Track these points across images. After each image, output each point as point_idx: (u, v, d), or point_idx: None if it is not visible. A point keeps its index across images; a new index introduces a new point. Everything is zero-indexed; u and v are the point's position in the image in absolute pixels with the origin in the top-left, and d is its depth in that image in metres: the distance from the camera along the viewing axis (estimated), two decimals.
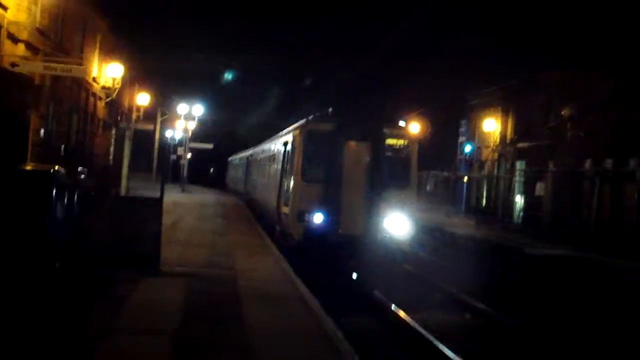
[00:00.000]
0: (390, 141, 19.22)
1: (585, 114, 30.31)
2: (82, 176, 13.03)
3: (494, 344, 15.40)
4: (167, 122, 54.28)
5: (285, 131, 24.27)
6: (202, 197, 44.28)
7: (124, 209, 14.88)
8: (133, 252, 13.91)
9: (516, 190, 36.38)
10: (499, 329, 16.77)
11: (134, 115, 38.85)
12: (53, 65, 20.73)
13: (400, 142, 19.66)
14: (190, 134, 52.08)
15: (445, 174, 42.80)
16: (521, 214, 35.89)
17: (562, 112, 31.88)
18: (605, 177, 28.25)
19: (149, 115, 45.18)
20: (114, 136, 33.63)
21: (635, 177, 24.02)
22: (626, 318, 17.19)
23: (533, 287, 21.65)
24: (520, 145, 36.45)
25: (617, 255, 21.72)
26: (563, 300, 19.88)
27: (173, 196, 40.16)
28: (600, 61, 28.68)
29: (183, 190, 47.76)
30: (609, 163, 28.51)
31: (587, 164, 29.63)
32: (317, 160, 19.12)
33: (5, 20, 21.08)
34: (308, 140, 19.16)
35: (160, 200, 14.63)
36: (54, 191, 11.39)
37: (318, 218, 18.26)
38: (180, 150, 51.22)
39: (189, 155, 52.51)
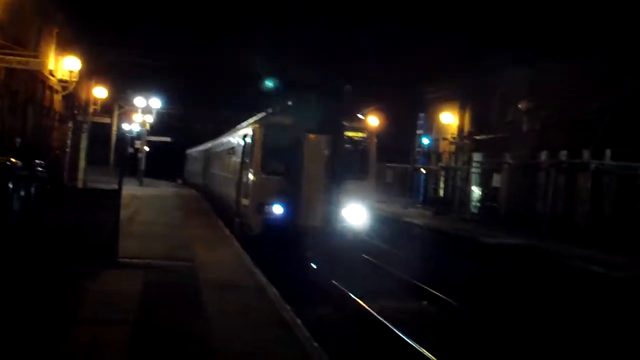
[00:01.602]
0: (349, 134, 19.43)
1: (541, 108, 30.85)
2: (39, 169, 12.94)
3: (448, 330, 15.77)
4: (125, 115, 53.84)
5: (244, 124, 24.38)
6: (161, 190, 44.10)
7: (80, 201, 14.77)
8: (91, 244, 13.87)
9: (473, 181, 36.87)
10: (453, 315, 17.16)
11: (91, 109, 38.38)
12: (8, 58, 20.47)
13: (359, 134, 19.90)
14: (148, 127, 51.70)
15: (404, 166, 43.14)
16: (478, 204, 36.42)
17: (519, 106, 32.39)
18: (560, 168, 28.78)
19: (107, 108, 44.77)
20: (70, 129, 33.35)
21: (588, 168, 24.50)
22: (572, 302, 17.68)
23: (486, 275, 22.09)
24: (477, 137, 36.95)
25: (569, 243, 22.20)
26: (515, 287, 20.33)
27: (131, 189, 39.91)
28: (555, 58, 29.22)
29: (141, 184, 47.46)
30: (563, 155, 29.06)
31: (543, 155, 30.16)
32: (276, 153, 19.29)
33: None
34: (267, 133, 19.35)
35: (118, 192, 14.61)
36: (10, 184, 11.35)
37: (277, 210, 18.48)
38: (138, 144, 50.85)
39: (147, 149, 52.13)
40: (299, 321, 10.33)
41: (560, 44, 27.96)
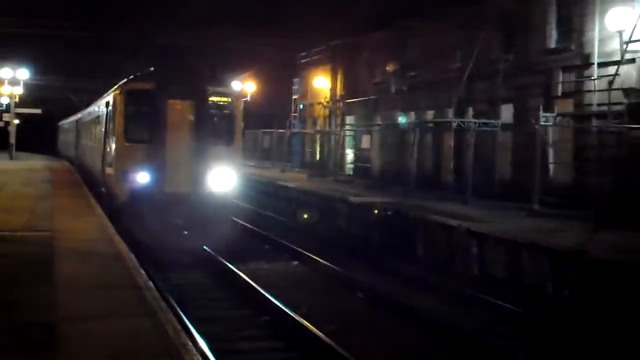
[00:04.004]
0: (214, 99, 19.30)
1: (406, 69, 31.66)
2: None
3: (317, 288, 16.23)
4: None
5: (108, 92, 23.93)
6: (31, 164, 42.81)
7: None
8: None
9: (346, 144, 37.55)
10: (322, 273, 17.67)
11: None
12: None
13: (224, 99, 19.77)
14: (17, 99, 49.89)
15: (281, 131, 43.44)
16: (351, 166, 37.20)
17: (387, 68, 33.12)
18: (426, 128, 29.72)
19: None
20: None
21: (452, 127, 25.39)
22: (433, 251, 18.57)
23: (352, 233, 22.79)
24: (349, 100, 37.60)
25: (435, 200, 23.04)
26: (378, 241, 21.11)
27: (0, 163, 38.71)
28: (414, 16, 30.18)
29: (11, 158, 45.95)
30: (429, 115, 30.02)
31: (411, 116, 31.04)
32: (139, 120, 18.92)
33: None
34: (128, 99, 18.88)
35: None
36: None
37: (143, 177, 18.12)
38: (7, 117, 49.04)
39: (17, 122, 50.36)
40: (150, 284, 10.39)
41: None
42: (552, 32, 23.45)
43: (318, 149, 42.33)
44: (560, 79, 22.81)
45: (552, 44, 23.45)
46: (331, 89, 40.43)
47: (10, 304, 8.84)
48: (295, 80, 44.31)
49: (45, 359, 6.84)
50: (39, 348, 7.15)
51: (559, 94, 22.83)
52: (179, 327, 8.16)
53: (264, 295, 14.07)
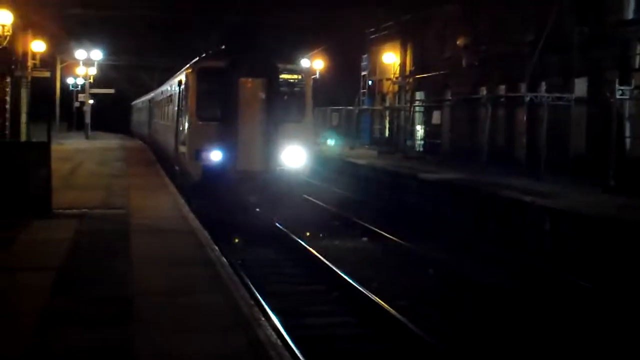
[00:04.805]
0: (284, 76, 19.33)
1: (478, 43, 31.15)
2: None
3: (387, 265, 16.21)
4: (67, 69, 53.02)
5: (180, 71, 24.20)
6: (106, 143, 43.80)
7: (10, 155, 14.79)
8: (23, 196, 13.95)
9: (416, 120, 37.26)
10: (392, 250, 17.63)
11: (30, 63, 37.76)
12: None
13: (295, 76, 19.78)
14: (91, 80, 51.04)
15: (350, 108, 43.33)
16: (421, 142, 36.91)
17: (457, 42, 32.67)
18: (498, 103, 29.26)
19: (48, 62, 44.03)
20: (9, 85, 32.85)
21: (524, 101, 24.93)
22: (502, 229, 18.32)
23: (424, 210, 22.62)
24: (419, 76, 37.23)
25: (508, 175, 22.70)
26: (450, 220, 20.90)
27: (76, 143, 39.73)
28: None
29: (87, 137, 47.08)
30: (501, 89, 29.53)
31: (482, 91, 30.61)
32: (211, 98, 19.12)
33: None
34: (201, 78, 19.09)
35: (47, 144, 14.61)
36: None
37: (216, 156, 18.23)
38: (82, 97, 50.22)
39: (91, 102, 51.53)
40: (224, 260, 10.56)
41: None
42: (630, 1, 22.74)
43: (387, 125, 42.11)
44: (638, 50, 22.13)
45: (630, 14, 22.73)
46: (400, 65, 40.09)
47: (90, 278, 9.13)
48: (364, 56, 44.04)
49: (121, 330, 7.05)
50: (116, 320, 7.38)
51: (637, 66, 22.16)
52: (252, 302, 8.27)
53: (335, 271, 14.13)
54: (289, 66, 19.67)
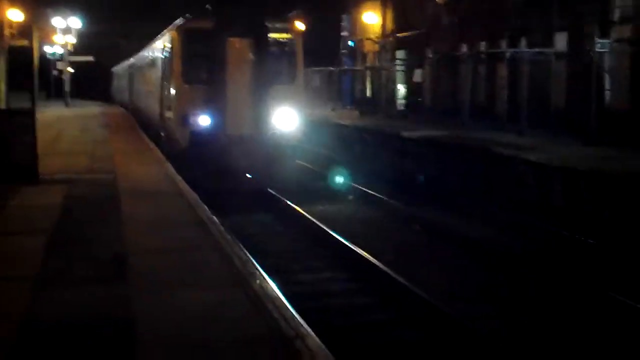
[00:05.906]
0: (273, 35, 18.74)
1: (458, 1, 31.10)
2: None
3: (374, 222, 16.39)
4: (46, 37, 52.34)
5: (162, 33, 23.68)
6: (87, 110, 43.55)
7: None
8: (9, 164, 13.95)
9: (398, 79, 37.26)
10: (378, 207, 17.83)
11: (6, 32, 37.32)
12: None
13: (284, 36, 19.16)
14: (70, 47, 50.53)
15: (331, 69, 43.18)
16: (403, 101, 36.99)
17: (437, 0, 32.61)
18: (479, 59, 29.33)
19: (26, 31, 43.46)
20: None
21: (505, 57, 25.02)
22: (481, 181, 18.59)
23: (409, 168, 22.79)
24: (400, 35, 37.14)
25: (489, 130, 22.91)
26: (438, 176, 21.09)
27: (57, 111, 39.49)
28: None
29: (67, 105, 46.77)
30: (482, 46, 29.57)
31: (463, 48, 30.63)
32: (197, 61, 18.47)
33: None
34: (186, 39, 18.37)
35: (31, 112, 14.59)
36: None
37: (204, 120, 17.75)
38: (60, 65, 49.77)
39: (71, 70, 51.09)
40: (215, 219, 10.66)
41: None
42: None
43: (369, 85, 42.07)
44: (617, 3, 22.21)
45: None
46: (381, 24, 39.95)
47: (81, 240, 9.22)
48: (344, 16, 43.86)
49: (115, 287, 7.17)
50: (110, 278, 7.50)
51: (616, 19, 22.26)
52: (245, 258, 8.41)
53: (323, 228, 14.29)
54: (278, 24, 18.89)
